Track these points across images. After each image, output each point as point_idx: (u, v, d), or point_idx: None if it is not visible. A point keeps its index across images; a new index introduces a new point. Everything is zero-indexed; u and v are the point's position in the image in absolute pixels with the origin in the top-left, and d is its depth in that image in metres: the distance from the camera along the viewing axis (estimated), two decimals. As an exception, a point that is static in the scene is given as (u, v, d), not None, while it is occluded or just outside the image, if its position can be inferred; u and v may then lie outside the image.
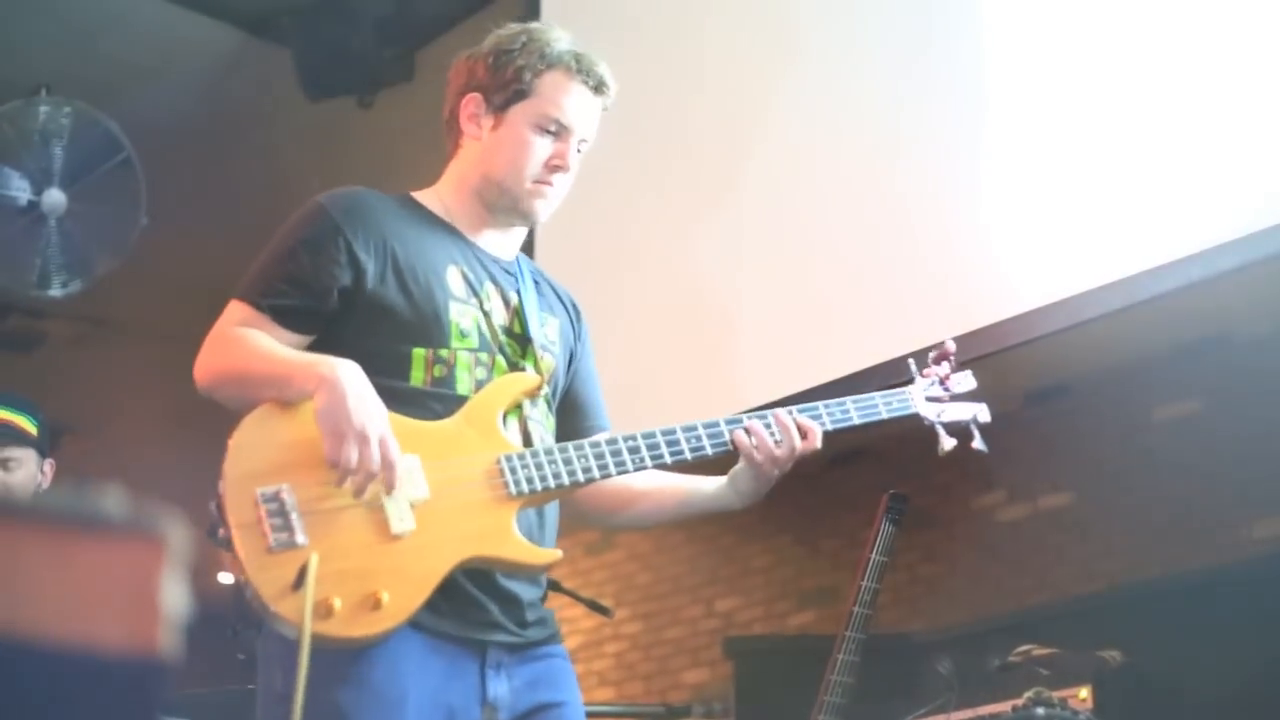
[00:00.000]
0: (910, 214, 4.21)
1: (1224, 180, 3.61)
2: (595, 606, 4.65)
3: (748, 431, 2.55)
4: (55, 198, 5.72)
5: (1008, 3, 4.14)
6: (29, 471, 4.00)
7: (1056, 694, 3.78)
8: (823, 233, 4.41)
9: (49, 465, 4.08)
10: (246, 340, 2.42)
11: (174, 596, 1.02)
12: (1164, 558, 5.47)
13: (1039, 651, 3.95)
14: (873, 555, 4.14)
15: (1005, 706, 3.85)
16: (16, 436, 3.99)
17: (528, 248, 5.00)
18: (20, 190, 5.72)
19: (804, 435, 2.57)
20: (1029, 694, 3.75)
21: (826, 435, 2.61)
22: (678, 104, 4.88)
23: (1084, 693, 3.97)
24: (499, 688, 2.43)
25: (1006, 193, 4.00)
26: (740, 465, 2.61)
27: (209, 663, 2.42)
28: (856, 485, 6.47)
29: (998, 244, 4.01)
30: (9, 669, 0.97)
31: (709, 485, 2.68)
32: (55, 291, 5.84)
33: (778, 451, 2.54)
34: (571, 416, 2.72)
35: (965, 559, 6.23)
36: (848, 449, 6.55)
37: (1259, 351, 5.22)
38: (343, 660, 2.29)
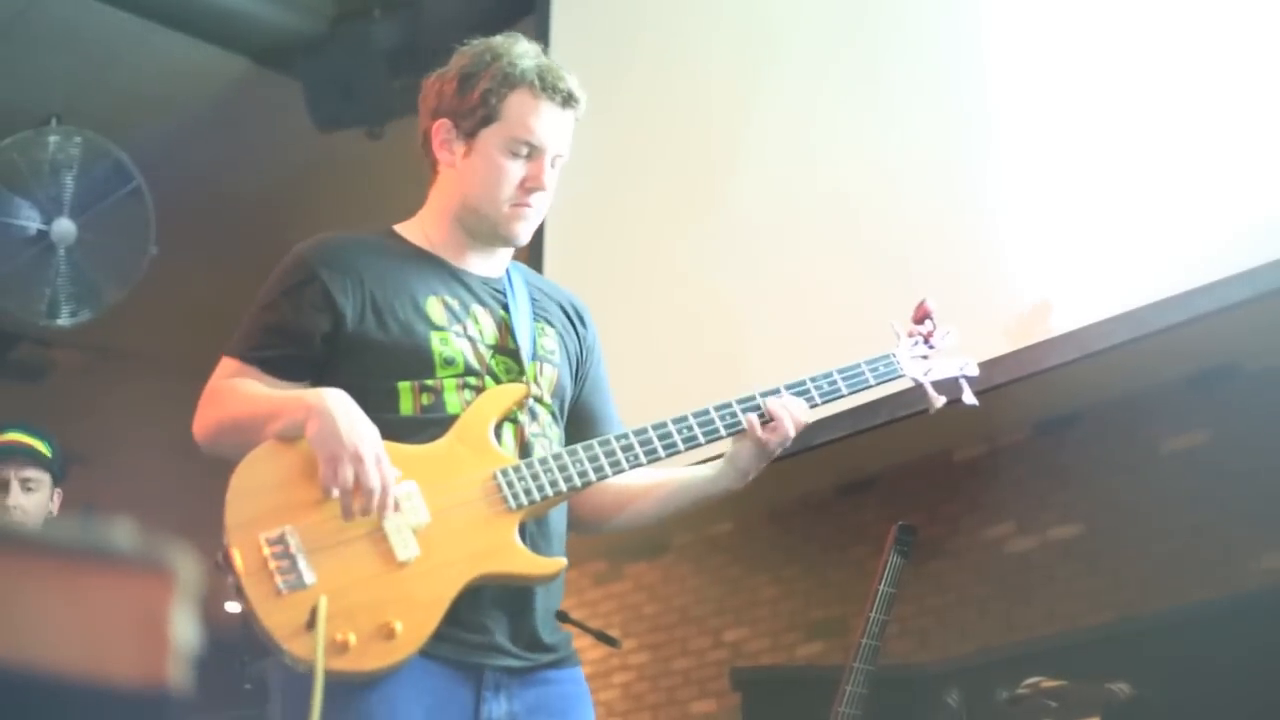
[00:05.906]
0: (919, 245, 4.21)
1: (1233, 212, 3.62)
2: (602, 637, 4.65)
3: (761, 413, 2.57)
4: (65, 227, 5.75)
5: (1016, 28, 4.15)
6: (44, 495, 4.12)
7: (1065, 727, 3.77)
8: (828, 259, 4.41)
9: (57, 494, 4.16)
10: (236, 388, 2.46)
11: (183, 628, 1.02)
12: (1173, 589, 5.46)
13: (1048, 684, 3.94)
14: (881, 586, 4.13)
15: (1014, 739, 3.84)
16: (37, 458, 4.10)
17: (536, 249, 5.04)
18: (30, 219, 5.75)
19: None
20: (1038, 726, 3.75)
21: (818, 408, 2.65)
22: (684, 113, 4.89)
23: (1093, 725, 3.95)
24: (496, 709, 2.43)
25: (1015, 223, 4.00)
26: (739, 445, 2.62)
27: (218, 691, 2.43)
28: (865, 516, 6.46)
29: (1006, 275, 4.01)
30: (18, 701, 0.97)
31: (705, 470, 2.69)
32: (64, 321, 5.86)
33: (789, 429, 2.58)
34: (583, 428, 2.71)
35: (974, 590, 6.21)
36: (857, 480, 6.55)
37: (1268, 383, 5.22)
38: (336, 686, 2.29)
